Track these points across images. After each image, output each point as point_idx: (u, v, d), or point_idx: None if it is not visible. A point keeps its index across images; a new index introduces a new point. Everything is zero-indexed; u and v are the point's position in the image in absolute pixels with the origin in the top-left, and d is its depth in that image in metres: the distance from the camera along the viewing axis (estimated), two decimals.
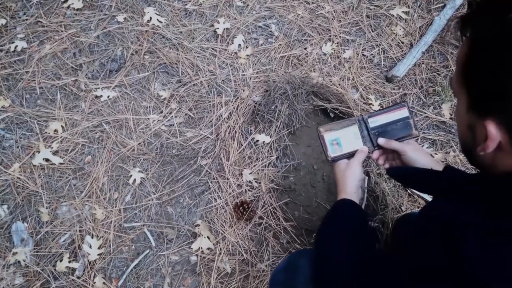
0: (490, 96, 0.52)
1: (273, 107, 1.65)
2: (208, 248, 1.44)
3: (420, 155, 0.96)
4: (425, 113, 1.72)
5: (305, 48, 1.85)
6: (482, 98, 0.54)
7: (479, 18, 0.53)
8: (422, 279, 0.58)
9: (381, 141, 1.01)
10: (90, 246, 1.41)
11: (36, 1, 1.86)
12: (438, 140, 1.67)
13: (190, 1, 1.93)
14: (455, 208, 0.58)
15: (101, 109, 1.66)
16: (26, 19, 1.82)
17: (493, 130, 0.52)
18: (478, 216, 0.54)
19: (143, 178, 1.55)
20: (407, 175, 0.91)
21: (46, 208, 1.47)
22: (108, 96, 1.68)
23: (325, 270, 0.81)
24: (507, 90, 0.49)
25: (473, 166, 0.66)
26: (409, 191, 1.54)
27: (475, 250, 0.51)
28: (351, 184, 0.96)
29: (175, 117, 1.67)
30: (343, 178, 0.98)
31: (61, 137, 1.58)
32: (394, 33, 1.91)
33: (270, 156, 1.59)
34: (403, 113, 1.04)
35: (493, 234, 0.52)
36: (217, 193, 1.53)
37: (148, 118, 1.66)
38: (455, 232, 0.54)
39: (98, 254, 1.41)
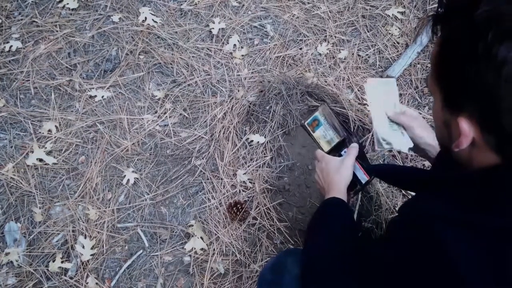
0: (461, 92, 0.53)
1: (267, 108, 1.65)
2: (202, 249, 1.44)
3: (427, 132, 0.96)
4: (420, 113, 1.71)
5: (300, 48, 1.84)
6: (454, 95, 0.55)
7: (448, 16, 0.53)
8: (404, 275, 0.58)
9: (390, 113, 0.99)
10: (83, 247, 1.40)
11: (31, 1, 1.86)
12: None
13: (185, 1, 1.93)
14: (432, 203, 0.59)
15: (95, 109, 1.65)
16: (21, 19, 1.81)
17: (465, 127, 0.52)
18: (454, 210, 0.54)
19: (137, 179, 1.55)
20: (388, 173, 0.91)
21: (40, 208, 1.46)
22: (102, 96, 1.68)
23: (313, 270, 0.81)
24: (476, 86, 0.50)
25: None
26: (403, 191, 1.54)
27: (453, 243, 0.52)
28: (344, 183, 0.95)
29: (170, 117, 1.67)
30: (336, 177, 0.97)
31: (55, 137, 1.58)
32: (389, 33, 1.91)
33: (264, 157, 1.59)
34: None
35: (469, 227, 0.52)
36: (211, 193, 1.53)
37: (143, 118, 1.65)
38: (433, 226, 0.55)
39: (91, 255, 1.40)
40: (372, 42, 1.89)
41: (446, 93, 0.57)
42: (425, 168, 1.55)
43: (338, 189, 0.94)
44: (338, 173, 0.96)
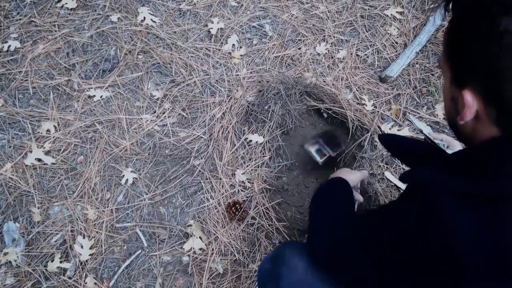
0: (467, 67, 0.56)
1: (266, 107, 1.65)
2: (200, 249, 1.44)
3: None
4: (419, 113, 1.71)
5: (299, 48, 1.85)
6: (460, 69, 0.58)
7: None
8: (400, 245, 0.61)
9: (432, 134, 1.10)
10: (82, 246, 1.40)
11: (30, 1, 1.86)
12: None
13: (184, 1, 1.93)
14: (432, 173, 0.61)
15: (94, 109, 1.65)
16: (20, 19, 1.81)
17: (469, 98, 0.56)
18: (453, 179, 0.57)
19: (136, 178, 1.55)
20: (396, 142, 0.93)
21: (38, 208, 1.46)
22: (101, 96, 1.68)
23: (321, 240, 0.84)
24: (479, 58, 0.53)
25: (460, 142, 0.70)
26: (402, 190, 1.54)
27: (449, 211, 0.54)
28: (351, 178, 1.07)
29: (168, 117, 1.67)
30: (347, 173, 1.10)
31: (53, 137, 1.58)
32: (388, 33, 1.91)
33: (263, 156, 1.59)
34: None
35: (467, 196, 0.54)
36: (210, 193, 1.53)
37: (141, 118, 1.65)
38: (430, 194, 0.57)
39: (90, 255, 1.40)
40: (371, 42, 1.89)
41: (454, 69, 0.60)
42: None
43: (345, 176, 1.04)
44: (348, 176, 1.07)
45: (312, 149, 1.52)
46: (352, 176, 1.09)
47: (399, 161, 1.58)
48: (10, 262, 1.37)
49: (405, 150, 0.91)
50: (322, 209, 0.93)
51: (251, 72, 1.77)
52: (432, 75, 1.80)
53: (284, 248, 0.99)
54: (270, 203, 1.51)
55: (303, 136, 1.67)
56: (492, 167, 0.55)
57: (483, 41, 0.52)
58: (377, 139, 1.60)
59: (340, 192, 0.99)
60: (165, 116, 1.66)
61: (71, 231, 1.44)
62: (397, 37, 1.90)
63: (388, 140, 0.97)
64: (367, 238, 0.70)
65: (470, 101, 0.55)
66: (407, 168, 1.28)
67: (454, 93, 0.61)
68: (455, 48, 0.59)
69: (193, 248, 1.44)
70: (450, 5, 0.60)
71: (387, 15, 1.95)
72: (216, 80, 1.74)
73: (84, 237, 1.42)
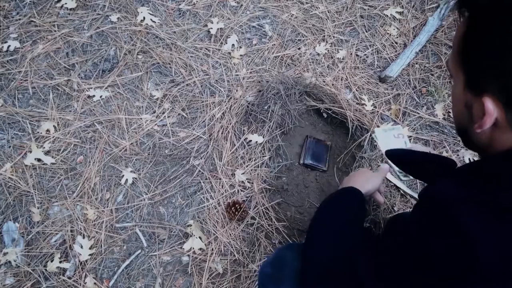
0: (487, 72, 0.53)
1: (266, 107, 1.65)
2: (200, 249, 1.44)
3: None
4: (418, 114, 1.71)
5: (299, 48, 1.85)
6: (478, 75, 0.55)
7: None
8: (422, 263, 0.58)
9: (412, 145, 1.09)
10: (81, 246, 1.40)
11: (30, 1, 1.85)
12: (431, 140, 1.67)
13: (183, 1, 1.93)
14: (450, 187, 0.59)
15: (93, 109, 1.65)
16: (19, 19, 1.81)
17: (490, 106, 0.53)
18: (474, 191, 0.55)
19: (135, 178, 1.55)
20: (404, 157, 0.90)
21: (38, 208, 1.46)
22: (100, 96, 1.67)
23: (314, 264, 0.81)
24: (502, 65, 0.50)
25: (469, 149, 0.66)
26: (401, 191, 1.54)
27: (474, 224, 0.52)
28: (368, 187, 1.01)
29: (168, 117, 1.67)
30: (363, 179, 1.03)
31: (53, 137, 1.58)
32: (388, 33, 1.91)
33: (263, 156, 1.59)
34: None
35: (486, 205, 0.52)
36: (210, 193, 1.53)
37: (141, 118, 1.65)
38: (453, 209, 0.54)
39: (89, 254, 1.40)
40: (370, 42, 1.89)
41: (470, 74, 0.57)
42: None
43: (360, 186, 0.98)
44: (368, 180, 1.02)
45: (313, 161, 1.62)
46: (369, 183, 1.03)
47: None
48: (9, 262, 1.37)
49: (413, 164, 0.88)
50: (326, 223, 0.88)
51: (250, 72, 1.77)
52: (432, 75, 1.81)
53: (285, 251, 0.99)
54: (269, 203, 1.51)
55: (302, 137, 1.67)
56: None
57: (504, 45, 0.49)
58: (376, 141, 1.60)
59: (348, 206, 0.93)
60: (164, 116, 1.66)
61: (71, 231, 1.44)
62: (397, 37, 1.91)
63: (396, 155, 0.94)
64: (370, 247, 0.69)
65: (492, 108, 0.53)
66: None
67: (468, 99, 0.58)
68: (472, 53, 0.56)
69: (193, 248, 1.44)
70: (463, 8, 0.57)
71: (387, 15, 1.95)
72: (216, 80, 1.74)
73: (83, 237, 1.42)
